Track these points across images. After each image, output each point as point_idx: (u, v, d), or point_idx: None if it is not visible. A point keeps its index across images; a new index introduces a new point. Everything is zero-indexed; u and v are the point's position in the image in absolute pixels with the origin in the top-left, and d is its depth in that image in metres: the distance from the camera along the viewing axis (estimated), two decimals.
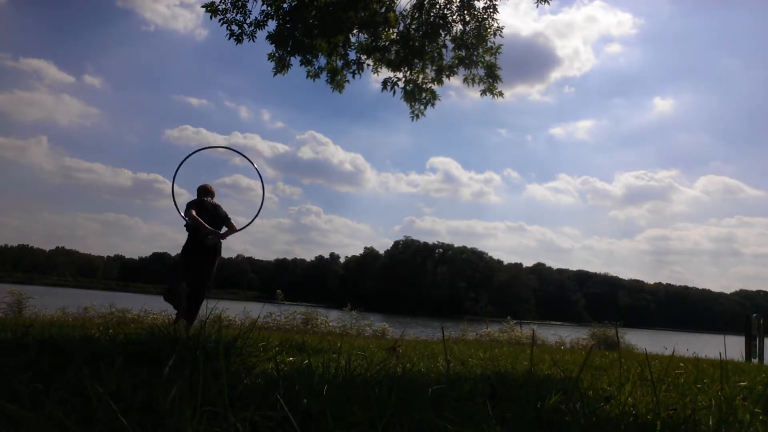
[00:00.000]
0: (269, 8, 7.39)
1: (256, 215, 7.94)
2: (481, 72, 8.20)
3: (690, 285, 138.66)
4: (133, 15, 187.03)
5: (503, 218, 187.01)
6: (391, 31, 8.04)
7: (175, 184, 7.63)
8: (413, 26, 8.17)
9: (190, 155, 7.80)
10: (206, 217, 7.26)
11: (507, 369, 4.01)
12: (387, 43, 8.15)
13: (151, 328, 3.67)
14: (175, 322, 6.41)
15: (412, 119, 8.63)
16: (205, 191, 7.66)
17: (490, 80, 8.20)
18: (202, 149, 9.05)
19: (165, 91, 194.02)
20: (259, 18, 7.37)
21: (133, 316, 12.81)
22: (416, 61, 8.26)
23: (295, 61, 7.98)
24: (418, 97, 8.53)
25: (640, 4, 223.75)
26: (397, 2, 7.90)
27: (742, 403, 2.41)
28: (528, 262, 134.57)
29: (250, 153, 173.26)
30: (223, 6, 7.14)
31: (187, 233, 7.35)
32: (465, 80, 8.29)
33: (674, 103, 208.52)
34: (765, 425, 1.86)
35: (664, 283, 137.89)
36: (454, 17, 7.93)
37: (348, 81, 8.50)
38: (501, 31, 7.87)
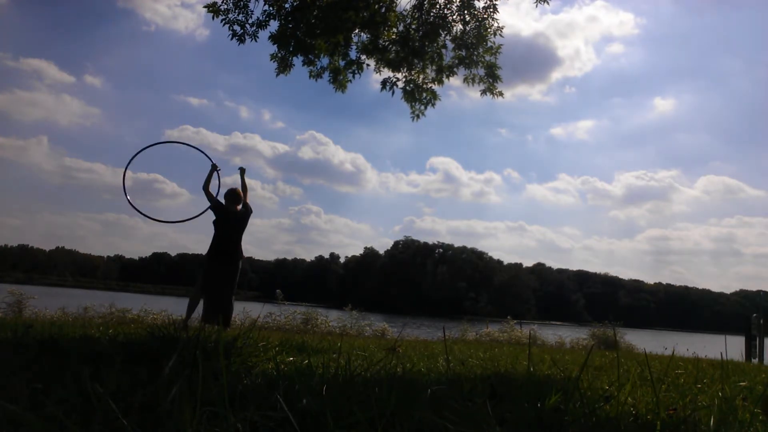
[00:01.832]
0: (271, 8, 7.39)
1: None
2: (481, 72, 8.20)
3: (690, 285, 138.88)
4: (133, 15, 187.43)
5: (503, 218, 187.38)
6: (391, 31, 8.04)
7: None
8: (413, 26, 8.17)
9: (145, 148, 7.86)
10: (233, 226, 7.28)
11: (507, 369, 4.00)
12: (387, 43, 8.15)
13: (151, 328, 3.67)
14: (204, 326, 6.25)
15: (413, 119, 8.64)
16: (232, 197, 7.56)
17: (490, 80, 8.20)
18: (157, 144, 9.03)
19: (165, 91, 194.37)
20: (261, 18, 7.38)
21: (133, 316, 12.80)
22: (416, 61, 8.26)
23: (297, 61, 7.98)
24: (418, 97, 8.53)
25: (642, 4, 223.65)
26: (397, 2, 7.90)
27: (742, 403, 2.41)
28: (528, 262, 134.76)
29: (250, 153, 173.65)
30: (225, 6, 7.14)
31: (214, 237, 7.30)
32: (465, 80, 8.29)
33: (675, 103, 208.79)
34: (765, 425, 1.86)
35: (664, 283, 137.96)
36: (454, 17, 7.93)
37: (350, 81, 8.51)
38: (501, 31, 7.87)
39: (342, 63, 8.40)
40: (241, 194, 7.58)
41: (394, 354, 4.93)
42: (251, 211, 7.59)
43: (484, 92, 8.28)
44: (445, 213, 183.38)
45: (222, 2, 7.11)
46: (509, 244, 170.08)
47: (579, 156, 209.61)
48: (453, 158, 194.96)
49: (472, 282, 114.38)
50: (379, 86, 8.50)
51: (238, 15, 7.24)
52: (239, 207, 7.52)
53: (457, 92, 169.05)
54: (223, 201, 7.51)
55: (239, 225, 7.36)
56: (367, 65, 8.40)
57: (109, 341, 3.80)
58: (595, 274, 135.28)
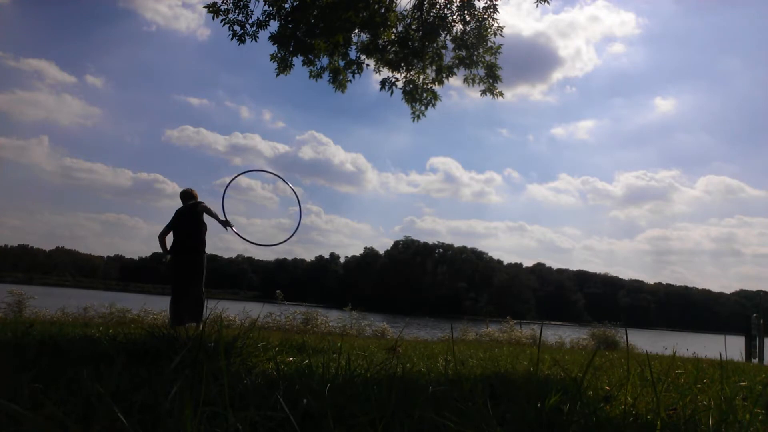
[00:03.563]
0: (271, 8, 7.39)
1: (292, 235, 8.43)
2: (482, 72, 8.20)
3: (690, 285, 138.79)
4: (134, 15, 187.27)
5: (504, 218, 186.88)
6: (390, 31, 8.04)
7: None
8: (413, 26, 8.17)
9: (237, 176, 8.18)
10: (184, 220, 7.53)
11: (507, 369, 4.00)
12: (387, 43, 8.15)
13: (151, 328, 3.67)
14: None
15: (413, 119, 8.63)
16: (184, 195, 7.85)
17: (491, 80, 8.19)
18: (248, 172, 9.72)
19: (166, 91, 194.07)
20: (261, 18, 7.38)
21: (133, 316, 12.82)
22: (416, 61, 8.26)
23: (297, 61, 7.99)
24: (418, 97, 8.53)
25: (644, 4, 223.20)
26: (397, 2, 7.90)
27: (742, 403, 2.41)
28: (528, 262, 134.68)
29: (250, 153, 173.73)
30: (225, 6, 7.14)
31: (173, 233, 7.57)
32: (465, 80, 8.29)
33: (676, 103, 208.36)
34: (765, 425, 1.86)
35: (664, 283, 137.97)
36: (454, 17, 7.92)
37: (350, 81, 8.51)
38: (501, 31, 7.87)
39: (342, 63, 8.40)
40: (194, 193, 7.82)
41: (394, 354, 4.94)
42: (200, 210, 7.57)
43: (484, 92, 8.28)
44: (445, 213, 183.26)
45: (222, 2, 7.12)
46: (509, 244, 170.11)
47: (579, 156, 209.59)
48: (453, 158, 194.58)
49: (472, 282, 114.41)
50: (379, 86, 8.51)
51: (238, 15, 7.24)
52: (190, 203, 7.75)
53: (458, 92, 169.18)
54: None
55: (186, 218, 7.53)
56: (367, 65, 8.40)
57: (109, 341, 3.80)
58: (595, 274, 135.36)
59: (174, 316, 7.17)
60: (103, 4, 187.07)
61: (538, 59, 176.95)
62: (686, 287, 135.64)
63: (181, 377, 1.94)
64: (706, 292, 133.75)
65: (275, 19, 7.47)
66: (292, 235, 8.41)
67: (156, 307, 13.98)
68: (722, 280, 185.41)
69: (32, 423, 1.38)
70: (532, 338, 14.94)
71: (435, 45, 8.17)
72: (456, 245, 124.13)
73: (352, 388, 1.99)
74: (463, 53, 8.13)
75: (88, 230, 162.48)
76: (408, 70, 8.41)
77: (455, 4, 7.89)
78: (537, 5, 7.16)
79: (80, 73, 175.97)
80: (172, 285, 7.44)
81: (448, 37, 8.09)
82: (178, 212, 7.65)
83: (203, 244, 7.54)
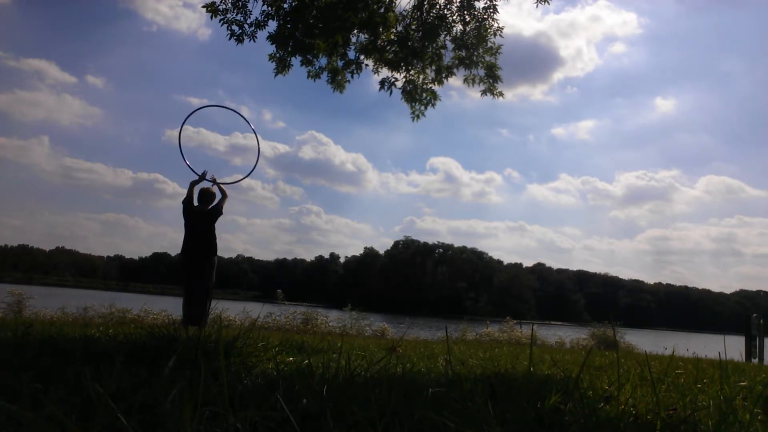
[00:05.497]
0: (270, 8, 7.39)
1: (252, 169, 8.74)
2: (482, 72, 8.19)
3: (690, 285, 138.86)
4: (134, 15, 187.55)
5: (504, 218, 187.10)
6: (390, 31, 8.03)
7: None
8: (413, 26, 8.16)
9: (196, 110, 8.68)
10: (202, 221, 7.57)
11: (507, 369, 4.00)
12: (386, 43, 8.14)
13: (151, 328, 3.66)
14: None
15: (413, 119, 8.63)
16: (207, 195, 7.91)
17: (491, 80, 8.19)
18: (205, 107, 10.07)
19: (166, 90, 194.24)
20: (259, 18, 7.38)
21: (133, 316, 12.83)
22: (415, 61, 8.26)
23: (295, 61, 7.98)
24: (418, 97, 8.52)
25: (645, 4, 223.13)
26: (397, 2, 7.89)
27: (742, 403, 2.41)
28: (528, 262, 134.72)
29: (250, 153, 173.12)
30: (224, 6, 7.14)
31: (184, 231, 7.52)
32: (465, 80, 8.28)
33: (676, 103, 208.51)
34: (765, 425, 1.86)
35: (664, 283, 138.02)
36: (454, 17, 7.92)
37: (349, 81, 8.50)
38: (501, 31, 7.87)
39: (340, 63, 8.40)
40: (215, 194, 7.83)
41: (394, 354, 4.93)
42: (219, 211, 7.69)
43: (484, 92, 8.28)
44: (445, 213, 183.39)
45: (221, 2, 7.12)
46: (509, 244, 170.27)
47: (580, 156, 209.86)
48: (454, 158, 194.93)
49: (472, 282, 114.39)
50: (378, 86, 8.50)
51: (236, 15, 7.24)
52: (209, 207, 7.74)
53: (458, 92, 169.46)
54: (196, 200, 7.78)
55: (203, 223, 7.54)
56: (366, 65, 8.39)
57: (109, 341, 3.80)
58: (595, 274, 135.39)
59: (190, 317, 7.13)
60: (103, 4, 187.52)
61: (538, 59, 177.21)
62: (686, 287, 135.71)
63: (181, 377, 1.94)
64: (706, 292, 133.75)
65: (274, 19, 7.47)
66: (251, 172, 8.75)
67: (156, 307, 13.99)
68: (722, 280, 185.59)
69: (32, 423, 1.38)
70: (531, 337, 14.93)
71: (435, 45, 8.16)
72: (456, 245, 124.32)
73: (352, 388, 1.99)
74: (463, 53, 8.12)
75: (88, 230, 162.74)
76: (407, 70, 8.41)
77: (455, 4, 7.88)
78: (537, 5, 7.15)
79: (80, 73, 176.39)
80: (184, 287, 7.46)
81: (447, 37, 8.08)
82: (190, 210, 7.60)
83: (216, 247, 7.59)
